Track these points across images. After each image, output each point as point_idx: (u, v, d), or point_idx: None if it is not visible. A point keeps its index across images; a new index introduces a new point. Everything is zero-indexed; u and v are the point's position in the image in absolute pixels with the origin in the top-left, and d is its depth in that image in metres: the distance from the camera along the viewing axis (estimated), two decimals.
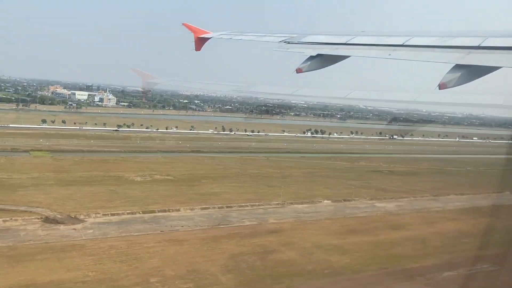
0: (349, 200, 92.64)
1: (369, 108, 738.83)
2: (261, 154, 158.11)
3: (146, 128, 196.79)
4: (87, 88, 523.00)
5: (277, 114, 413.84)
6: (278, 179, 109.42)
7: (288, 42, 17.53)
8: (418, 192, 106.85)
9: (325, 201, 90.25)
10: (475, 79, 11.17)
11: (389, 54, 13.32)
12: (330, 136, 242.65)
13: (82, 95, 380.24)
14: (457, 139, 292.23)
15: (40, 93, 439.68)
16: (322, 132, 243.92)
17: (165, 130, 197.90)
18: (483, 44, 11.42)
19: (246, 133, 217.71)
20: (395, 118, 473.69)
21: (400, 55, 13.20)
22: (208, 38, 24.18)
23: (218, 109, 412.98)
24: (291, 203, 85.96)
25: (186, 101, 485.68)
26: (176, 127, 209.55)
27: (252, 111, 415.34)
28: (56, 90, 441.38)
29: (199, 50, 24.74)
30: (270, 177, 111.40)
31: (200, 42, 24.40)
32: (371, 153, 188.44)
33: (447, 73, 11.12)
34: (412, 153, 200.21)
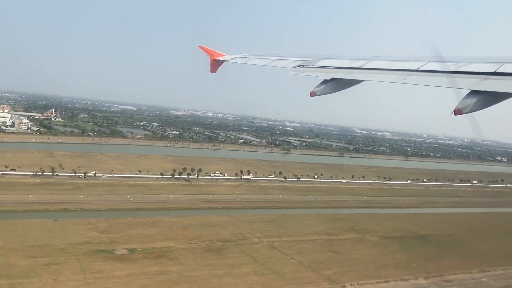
0: None
1: (364, 133, 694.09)
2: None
3: None
4: (44, 108, 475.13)
5: (224, 142, 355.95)
6: None
7: (303, 66, 18.25)
8: None
9: None
10: (491, 105, 11.20)
11: (404, 79, 13.36)
12: (207, 176, 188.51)
13: (3, 118, 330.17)
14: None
15: None
16: (196, 171, 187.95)
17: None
18: (499, 70, 11.56)
19: (78, 174, 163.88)
20: (356, 148, 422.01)
21: (415, 80, 13.19)
22: (224, 61, 24.82)
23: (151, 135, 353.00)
24: None
25: (140, 123, 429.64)
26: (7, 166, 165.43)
27: (192, 138, 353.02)
28: None
29: (215, 72, 25.35)
30: None
31: (216, 64, 25.13)
32: (221, 208, 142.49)
33: (463, 98, 11.18)
34: (271, 207, 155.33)
